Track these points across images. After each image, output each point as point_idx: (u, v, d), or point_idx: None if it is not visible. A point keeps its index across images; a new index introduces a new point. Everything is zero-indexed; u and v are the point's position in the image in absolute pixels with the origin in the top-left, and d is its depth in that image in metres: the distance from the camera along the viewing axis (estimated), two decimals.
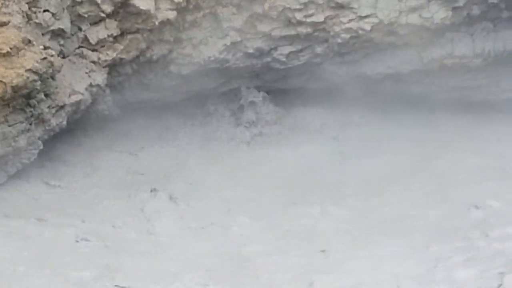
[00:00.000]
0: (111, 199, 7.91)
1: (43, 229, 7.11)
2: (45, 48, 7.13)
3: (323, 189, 8.16)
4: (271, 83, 9.11)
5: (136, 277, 6.06)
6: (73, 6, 7.63)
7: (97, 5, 7.67)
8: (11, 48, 6.74)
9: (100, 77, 8.10)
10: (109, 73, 8.21)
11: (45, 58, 7.06)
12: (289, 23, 8.36)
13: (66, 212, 7.70)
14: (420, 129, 9.54)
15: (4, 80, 6.73)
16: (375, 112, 9.82)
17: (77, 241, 6.72)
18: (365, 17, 8.48)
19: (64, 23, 7.48)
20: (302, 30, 8.47)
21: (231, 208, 7.83)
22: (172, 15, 8.03)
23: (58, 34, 7.50)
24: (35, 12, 7.21)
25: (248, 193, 8.08)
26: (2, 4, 6.95)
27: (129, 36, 8.07)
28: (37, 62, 6.96)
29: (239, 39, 8.50)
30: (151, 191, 7.95)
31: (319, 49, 8.73)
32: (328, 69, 9.13)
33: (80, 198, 8.00)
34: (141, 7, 7.79)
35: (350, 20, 8.48)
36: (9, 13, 6.84)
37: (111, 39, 7.95)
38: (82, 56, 7.93)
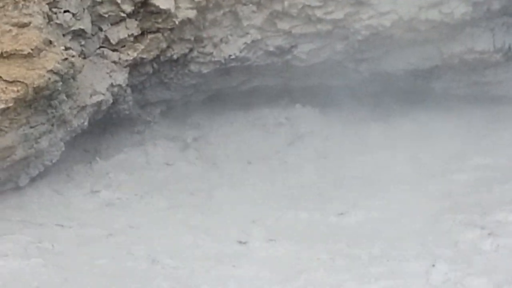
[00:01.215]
0: None
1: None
2: (66, 48, 7.08)
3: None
4: (292, 81, 9.08)
5: None
6: (93, 6, 7.54)
7: (118, 5, 7.56)
8: (32, 49, 6.67)
9: (121, 77, 7.95)
10: (130, 73, 8.07)
11: (66, 59, 6.99)
12: (309, 20, 8.20)
13: None
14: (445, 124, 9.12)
15: (25, 81, 6.66)
16: (396, 108, 9.47)
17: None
18: (385, 13, 8.22)
19: (85, 24, 7.41)
20: (322, 27, 8.27)
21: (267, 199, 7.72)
22: (192, 14, 7.88)
23: (79, 34, 7.43)
24: (55, 13, 7.11)
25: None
26: (22, 5, 6.85)
27: (150, 36, 7.93)
28: (58, 63, 6.87)
29: (259, 37, 8.33)
30: None
31: (339, 47, 8.53)
32: (348, 66, 8.98)
33: None
34: (161, 7, 7.69)
35: (370, 17, 8.20)
36: (30, 14, 6.77)
37: (131, 39, 7.82)
38: (103, 56, 7.84)
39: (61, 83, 6.91)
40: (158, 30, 7.83)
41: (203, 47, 8.32)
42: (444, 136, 8.82)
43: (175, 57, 8.18)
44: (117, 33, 7.62)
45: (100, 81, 7.72)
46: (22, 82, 6.56)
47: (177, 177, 8.29)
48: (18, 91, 6.53)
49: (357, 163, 8.47)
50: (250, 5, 8.05)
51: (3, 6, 6.72)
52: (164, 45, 7.99)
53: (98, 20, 7.48)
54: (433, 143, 8.62)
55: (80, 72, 7.24)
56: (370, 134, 9.06)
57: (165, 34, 7.85)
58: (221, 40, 8.17)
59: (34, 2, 6.76)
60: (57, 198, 7.58)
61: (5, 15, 6.76)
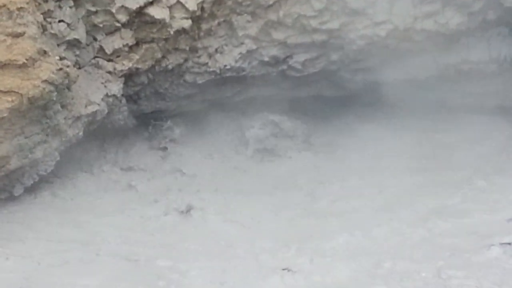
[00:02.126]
0: None
1: None
2: (61, 58, 7.15)
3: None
4: (287, 91, 9.07)
5: None
6: (88, 16, 7.61)
7: (112, 14, 7.63)
8: (27, 59, 6.72)
9: (116, 87, 8.09)
10: (124, 83, 8.21)
11: (61, 69, 7.04)
12: (304, 30, 8.39)
13: None
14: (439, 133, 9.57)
15: (20, 92, 6.70)
16: (392, 118, 9.69)
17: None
18: (380, 23, 8.43)
19: (80, 34, 7.47)
20: (318, 37, 8.49)
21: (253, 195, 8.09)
22: (187, 24, 7.97)
23: (73, 44, 7.50)
24: (50, 23, 7.18)
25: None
26: (17, 15, 6.81)
27: (145, 46, 8.07)
28: (53, 73, 6.94)
29: (254, 47, 8.52)
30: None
31: (334, 56, 8.75)
32: (344, 76, 8.98)
33: None
34: (156, 17, 7.78)
35: (366, 27, 8.48)
36: (24, 24, 6.78)
37: (126, 48, 7.94)
38: (97, 66, 7.88)
39: (55, 93, 6.98)
40: (153, 40, 7.92)
41: (198, 57, 8.48)
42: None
43: (170, 67, 8.35)
44: (112, 43, 7.72)
45: (95, 91, 7.79)
46: (17, 92, 6.58)
47: None
48: (12, 101, 6.56)
49: None
50: (245, 15, 8.33)
51: None
52: (159, 55, 8.12)
53: (92, 30, 7.58)
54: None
55: (74, 82, 7.30)
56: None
57: (160, 44, 8.01)
58: (216, 50, 8.43)
59: (29, 12, 6.72)
60: None
61: None
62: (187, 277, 6.40)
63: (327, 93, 9.69)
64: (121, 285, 6.28)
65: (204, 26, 8.30)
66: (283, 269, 6.20)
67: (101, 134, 9.06)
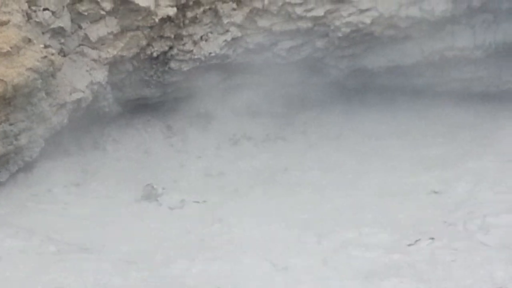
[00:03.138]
0: None
1: None
2: (46, 46, 7.17)
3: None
4: (272, 78, 9.02)
5: None
6: (73, 4, 7.62)
7: (97, 2, 7.66)
8: (11, 47, 6.76)
9: (101, 75, 8.11)
10: (109, 71, 8.24)
11: (45, 57, 7.08)
12: (289, 17, 8.39)
13: None
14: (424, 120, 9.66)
15: (5, 79, 6.74)
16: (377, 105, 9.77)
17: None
18: (365, 10, 8.46)
19: (64, 22, 7.48)
20: (303, 24, 8.51)
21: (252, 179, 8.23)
22: (172, 11, 8.03)
23: (58, 32, 7.51)
24: (35, 11, 7.18)
25: None
26: (1, 3, 6.93)
27: (129, 34, 8.05)
28: (37, 61, 6.97)
29: (239, 34, 8.49)
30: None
31: (319, 44, 8.79)
32: (329, 63, 8.97)
33: None
34: (141, 4, 7.80)
35: (350, 14, 8.47)
36: (9, 12, 6.85)
37: (111, 36, 7.93)
38: (82, 54, 7.93)
39: (40, 81, 7.05)
40: (137, 28, 7.97)
41: (183, 44, 8.48)
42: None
43: (155, 54, 8.37)
44: (96, 31, 7.75)
45: (80, 79, 7.85)
46: (2, 80, 6.67)
47: None
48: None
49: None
50: (230, 2, 8.45)
51: None
52: (144, 42, 8.17)
53: (77, 18, 7.59)
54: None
55: (59, 70, 7.38)
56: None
57: (145, 32, 8.06)
58: (201, 37, 8.38)
59: (13, 0, 6.88)
60: None
61: None
62: None
63: (313, 80, 9.39)
64: None
65: (189, 14, 8.30)
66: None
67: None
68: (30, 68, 6.97)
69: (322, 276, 5.93)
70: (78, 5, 7.73)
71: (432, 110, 9.99)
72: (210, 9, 8.43)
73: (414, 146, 9.20)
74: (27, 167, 8.19)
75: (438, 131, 9.73)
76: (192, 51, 8.68)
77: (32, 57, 7.00)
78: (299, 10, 8.33)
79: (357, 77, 9.62)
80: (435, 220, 7.12)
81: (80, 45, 7.97)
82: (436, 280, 5.83)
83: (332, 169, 8.70)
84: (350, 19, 8.66)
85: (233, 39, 8.68)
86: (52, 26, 7.45)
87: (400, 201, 7.57)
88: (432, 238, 6.64)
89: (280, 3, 8.18)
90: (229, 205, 7.86)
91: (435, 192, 7.66)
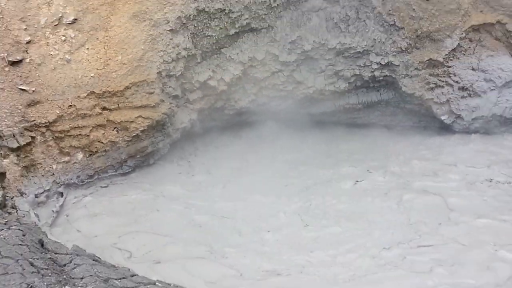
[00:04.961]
0: None
1: None
2: (170, 103, 9.45)
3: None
4: None
5: None
6: (181, 85, 9.85)
7: (191, 83, 9.98)
8: (155, 104, 9.23)
9: (194, 115, 10.27)
10: (198, 114, 10.25)
11: (170, 108, 9.40)
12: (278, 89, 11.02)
13: None
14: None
15: (152, 118, 9.25)
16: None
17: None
18: (311, 87, 11.25)
19: (178, 92, 9.66)
20: (282, 94, 10.96)
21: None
22: (225, 87, 10.38)
23: (175, 96, 9.62)
24: (165, 87, 9.51)
25: None
26: (149, 83, 9.24)
27: (206, 98, 10.43)
28: (166, 110, 9.39)
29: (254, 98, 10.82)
30: None
31: (290, 102, 11.10)
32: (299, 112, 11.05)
33: None
34: (212, 84, 10.18)
35: (304, 89, 11.43)
36: (154, 87, 9.32)
37: (198, 99, 10.24)
38: (186, 106, 10.11)
39: (167, 118, 9.37)
40: (210, 95, 10.34)
41: (229, 102, 10.78)
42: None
43: (218, 106, 10.51)
44: (192, 95, 10.17)
45: (185, 117, 10.08)
46: (152, 118, 9.22)
47: None
48: (149, 122, 9.24)
49: None
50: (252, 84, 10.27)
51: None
52: (213, 101, 10.44)
53: (183, 90, 9.86)
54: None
55: (176, 113, 9.62)
56: None
57: (213, 96, 10.40)
58: (239, 98, 10.69)
59: (156, 82, 9.25)
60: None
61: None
62: None
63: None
64: None
65: (233, 88, 10.69)
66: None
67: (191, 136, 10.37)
68: (164, 113, 9.30)
69: None
70: (188, 84, 10.00)
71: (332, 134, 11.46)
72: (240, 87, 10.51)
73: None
74: (159, 159, 9.99)
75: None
76: (234, 105, 10.88)
77: (164, 108, 9.33)
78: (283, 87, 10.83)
79: (304, 116, 11.61)
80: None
81: (185, 102, 10.05)
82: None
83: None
84: (304, 91, 11.07)
85: (251, 100, 11.05)
86: (173, 94, 9.57)
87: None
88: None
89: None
90: None
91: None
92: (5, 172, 7.58)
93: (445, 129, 10.79)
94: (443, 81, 10.44)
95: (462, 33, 10.18)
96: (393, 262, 6.83)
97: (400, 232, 7.58)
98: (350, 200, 8.48)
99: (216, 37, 9.68)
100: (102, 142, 8.94)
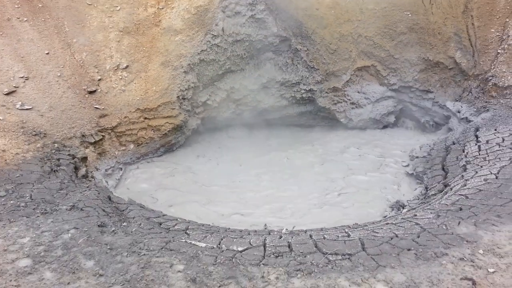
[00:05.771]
0: None
1: None
2: (184, 115, 11.85)
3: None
4: None
5: None
6: (191, 103, 12.06)
7: (197, 103, 12.19)
8: (175, 115, 11.82)
9: (199, 121, 12.80)
10: (201, 120, 12.80)
11: (185, 117, 11.93)
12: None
13: None
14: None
15: (174, 123, 11.78)
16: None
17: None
18: (266, 103, 13.18)
19: (189, 107, 12.46)
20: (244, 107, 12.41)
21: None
22: (217, 104, 12.86)
23: (187, 110, 12.03)
24: (182, 105, 11.89)
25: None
26: (171, 105, 11.32)
27: (205, 111, 13.09)
28: (183, 118, 11.97)
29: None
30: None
31: (253, 113, 12.20)
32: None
33: None
34: (209, 103, 12.75)
35: (264, 105, 13.23)
36: (175, 106, 11.84)
37: (201, 112, 12.77)
38: (194, 115, 12.50)
39: (183, 123, 11.75)
40: (207, 109, 12.48)
41: (219, 113, 13.09)
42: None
43: (212, 116, 12.69)
44: (198, 110, 12.49)
45: (193, 122, 12.52)
46: (174, 123, 11.70)
47: None
48: (171, 126, 11.71)
49: None
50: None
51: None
52: (210, 113, 12.69)
53: (192, 106, 12.19)
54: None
55: (188, 120, 12.03)
56: None
57: (209, 110, 12.50)
58: (223, 111, 12.45)
59: (177, 101, 11.48)
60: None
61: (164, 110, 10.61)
62: None
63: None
64: None
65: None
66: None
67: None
68: (181, 120, 11.80)
69: None
70: (195, 103, 12.07)
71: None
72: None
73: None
74: (179, 147, 12.12)
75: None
76: (231, 116, 12.69)
77: (181, 117, 11.85)
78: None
79: (264, 122, 12.99)
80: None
81: (193, 113, 12.41)
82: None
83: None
84: (263, 106, 13.19)
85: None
86: (186, 109, 12.00)
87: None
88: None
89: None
90: None
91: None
92: (87, 157, 9.32)
93: (343, 126, 13.41)
94: (341, 99, 12.89)
95: (352, 72, 12.65)
96: (326, 202, 8.47)
97: (321, 183, 9.79)
98: (286, 169, 10.89)
99: (211, 75, 11.85)
100: (145, 138, 11.04)
